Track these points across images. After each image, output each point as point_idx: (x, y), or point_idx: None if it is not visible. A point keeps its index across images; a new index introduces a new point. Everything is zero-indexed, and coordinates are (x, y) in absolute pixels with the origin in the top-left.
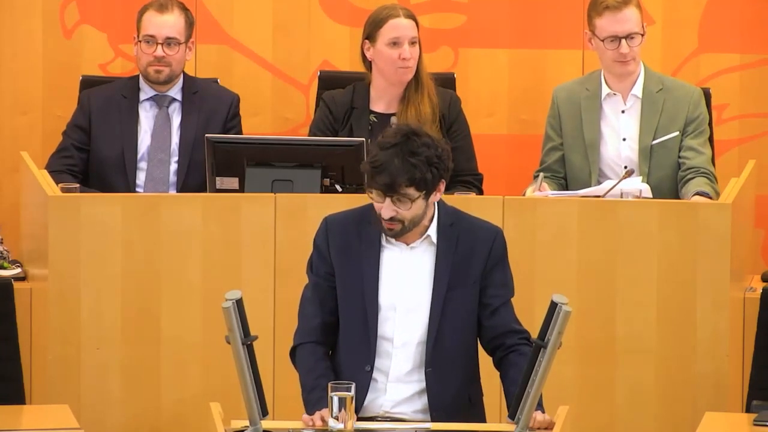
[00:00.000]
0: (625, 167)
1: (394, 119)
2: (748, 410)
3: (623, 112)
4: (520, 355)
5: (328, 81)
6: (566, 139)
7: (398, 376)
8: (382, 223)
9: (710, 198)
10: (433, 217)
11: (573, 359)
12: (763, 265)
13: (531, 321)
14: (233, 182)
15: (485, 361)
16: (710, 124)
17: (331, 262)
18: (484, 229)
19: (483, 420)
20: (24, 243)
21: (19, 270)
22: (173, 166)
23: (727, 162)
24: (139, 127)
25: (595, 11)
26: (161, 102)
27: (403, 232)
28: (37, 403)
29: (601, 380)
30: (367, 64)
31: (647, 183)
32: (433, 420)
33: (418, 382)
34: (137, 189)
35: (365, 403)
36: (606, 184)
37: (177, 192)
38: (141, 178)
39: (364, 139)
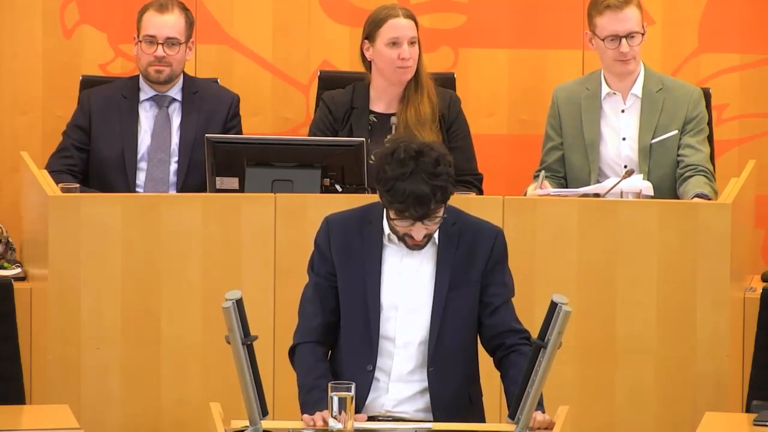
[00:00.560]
0: (625, 166)
1: (394, 119)
2: (748, 410)
3: (623, 111)
4: (520, 355)
5: (328, 81)
6: (566, 138)
7: (400, 375)
8: (409, 242)
9: (709, 199)
10: None
11: (573, 359)
12: (763, 265)
13: (531, 321)
14: (233, 182)
15: (485, 361)
16: (710, 124)
17: (333, 262)
18: (485, 229)
19: (482, 420)
20: (24, 243)
21: (19, 270)
22: (173, 166)
23: (727, 162)
24: (139, 127)
25: (596, 10)
26: (161, 102)
27: (428, 242)
28: (37, 403)
29: (601, 380)
30: (367, 64)
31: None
32: (435, 419)
33: (419, 381)
34: (137, 189)
35: (367, 402)
36: (608, 182)
37: (177, 192)
38: (141, 178)
39: (364, 139)
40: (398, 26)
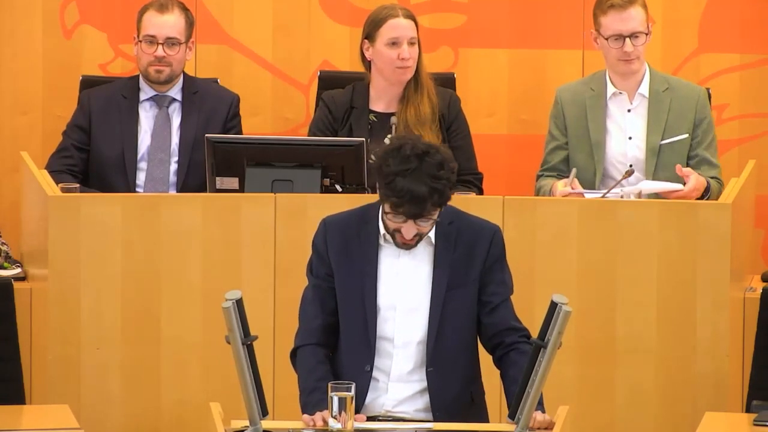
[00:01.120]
0: (630, 165)
1: (393, 119)
2: (748, 410)
3: (629, 111)
4: (520, 353)
5: (328, 81)
6: (571, 138)
7: (399, 375)
8: (398, 238)
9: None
10: None
11: (573, 359)
12: (763, 265)
13: (531, 321)
14: (233, 182)
15: (486, 361)
16: None
17: (331, 264)
18: (482, 227)
19: (486, 419)
20: (24, 243)
21: (19, 270)
22: (173, 166)
23: (727, 162)
24: (139, 127)
25: (601, 10)
26: (161, 102)
27: (418, 243)
28: (37, 403)
29: (601, 380)
30: (367, 64)
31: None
32: (435, 419)
33: (419, 381)
34: (137, 189)
35: (367, 402)
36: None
37: (177, 192)
38: (141, 178)
39: (363, 139)
40: (398, 26)
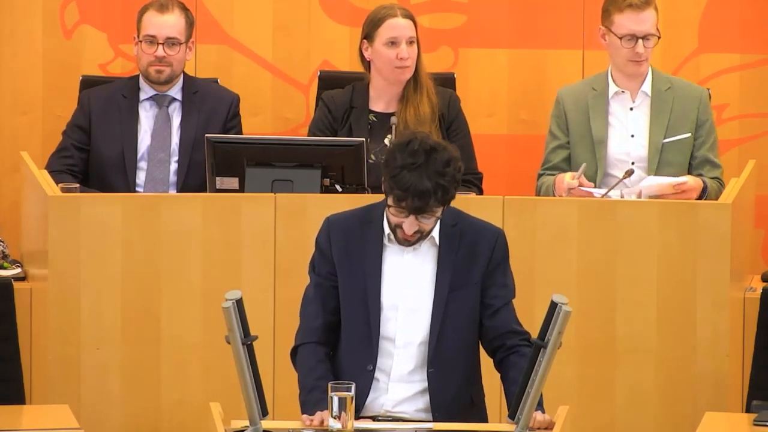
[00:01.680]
0: (633, 163)
1: (393, 119)
2: (748, 410)
3: (632, 109)
4: (520, 356)
5: (328, 81)
6: (573, 137)
7: (400, 375)
8: (399, 234)
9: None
10: None
11: (573, 359)
12: (763, 265)
13: (531, 321)
14: (233, 182)
15: (486, 362)
16: None
17: (333, 262)
18: (486, 230)
19: (485, 420)
20: (24, 243)
21: (19, 270)
22: (173, 166)
23: (727, 162)
24: (139, 127)
25: (615, 7)
26: (161, 102)
27: (420, 241)
28: (37, 403)
29: (601, 380)
30: (366, 63)
31: None
32: (434, 420)
33: (420, 382)
34: (137, 189)
35: (367, 402)
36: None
37: (177, 192)
38: (141, 178)
39: (363, 138)
40: (397, 26)
